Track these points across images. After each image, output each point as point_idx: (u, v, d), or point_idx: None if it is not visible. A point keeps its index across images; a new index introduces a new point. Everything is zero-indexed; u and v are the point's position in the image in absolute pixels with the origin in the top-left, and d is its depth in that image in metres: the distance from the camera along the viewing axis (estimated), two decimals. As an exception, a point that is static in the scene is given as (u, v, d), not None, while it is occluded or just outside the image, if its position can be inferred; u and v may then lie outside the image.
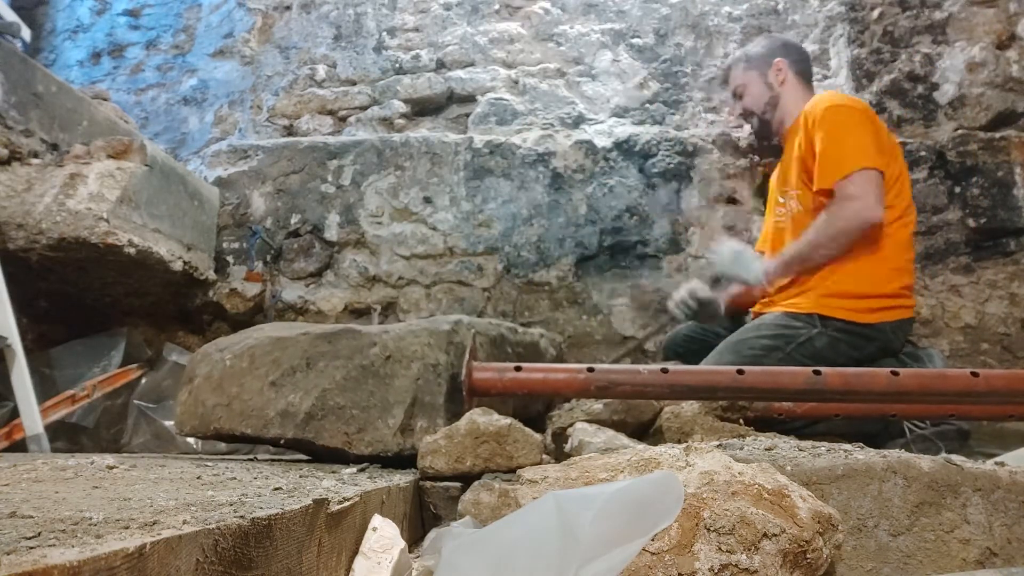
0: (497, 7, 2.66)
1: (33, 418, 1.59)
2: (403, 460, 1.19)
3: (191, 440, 1.93)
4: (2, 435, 1.66)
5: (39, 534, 0.40)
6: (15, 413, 1.63)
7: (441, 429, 1.11)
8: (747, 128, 2.34)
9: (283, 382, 1.27)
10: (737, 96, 2.01)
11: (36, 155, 1.86)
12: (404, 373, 1.23)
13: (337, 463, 1.26)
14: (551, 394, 1.45)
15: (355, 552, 0.77)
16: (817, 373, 1.20)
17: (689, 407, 1.47)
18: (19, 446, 1.62)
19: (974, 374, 1.19)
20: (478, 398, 1.30)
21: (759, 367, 1.24)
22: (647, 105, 2.46)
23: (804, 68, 1.94)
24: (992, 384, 1.18)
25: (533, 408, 1.63)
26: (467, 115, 2.56)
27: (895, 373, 1.19)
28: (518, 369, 1.27)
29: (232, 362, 1.35)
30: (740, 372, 1.21)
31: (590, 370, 1.25)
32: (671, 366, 1.25)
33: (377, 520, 0.82)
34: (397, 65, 2.65)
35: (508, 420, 1.08)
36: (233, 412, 1.27)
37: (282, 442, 1.25)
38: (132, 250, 1.85)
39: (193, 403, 1.34)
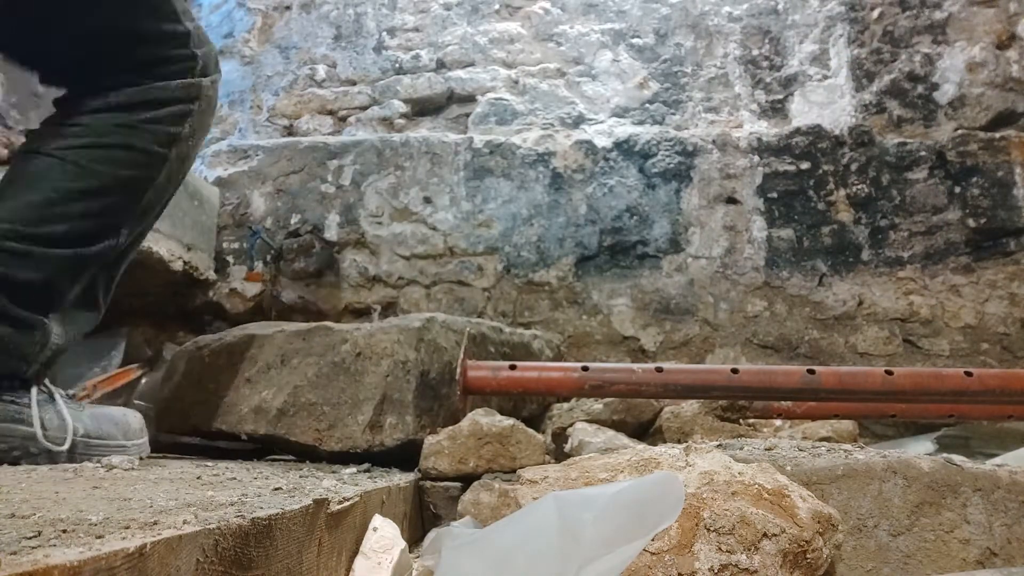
0: (497, 7, 2.66)
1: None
2: (372, 457, 1.20)
3: (190, 440, 1.93)
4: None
5: (39, 534, 0.40)
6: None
7: (443, 430, 1.11)
8: (747, 128, 2.34)
9: (258, 378, 1.28)
10: None
11: (36, 155, 1.86)
12: (374, 370, 1.23)
13: (310, 460, 1.27)
14: (545, 393, 1.45)
15: (355, 552, 0.77)
16: (811, 372, 1.20)
17: (689, 407, 1.47)
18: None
19: (968, 373, 1.20)
20: (472, 396, 1.30)
21: (755, 367, 1.25)
22: (647, 105, 2.46)
23: None
24: (987, 383, 1.19)
25: (526, 410, 1.63)
26: (467, 115, 2.56)
27: (889, 372, 1.19)
28: (512, 368, 1.28)
29: (210, 359, 1.36)
30: (735, 371, 1.21)
31: (584, 369, 1.26)
32: (666, 365, 1.26)
33: (377, 520, 0.82)
34: (397, 65, 2.65)
35: (511, 421, 1.08)
36: (210, 409, 1.28)
37: (255, 439, 1.26)
38: (132, 250, 1.85)
39: (172, 400, 1.35)
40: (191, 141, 1.06)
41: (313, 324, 1.33)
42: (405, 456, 1.21)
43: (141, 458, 1.00)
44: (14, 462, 0.88)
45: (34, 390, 0.93)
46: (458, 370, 1.25)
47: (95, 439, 0.95)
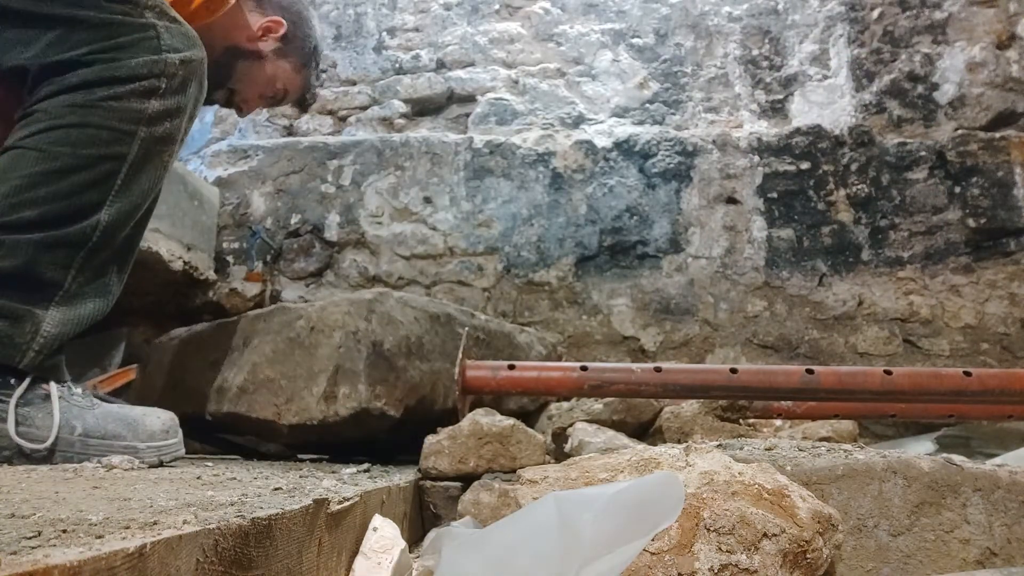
0: (497, 7, 2.66)
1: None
2: (327, 427, 1.21)
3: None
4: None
5: (39, 534, 0.40)
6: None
7: (444, 429, 1.11)
8: (747, 128, 2.34)
9: (222, 361, 1.31)
10: None
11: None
12: (327, 342, 1.24)
13: (271, 437, 1.29)
14: (545, 393, 1.44)
15: (355, 552, 0.77)
16: (810, 372, 1.20)
17: (689, 407, 1.47)
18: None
19: (967, 373, 1.20)
20: (471, 396, 1.30)
21: (754, 366, 1.25)
22: (647, 105, 2.46)
23: None
24: (986, 383, 1.19)
25: (512, 403, 1.62)
26: (467, 115, 2.56)
27: (889, 372, 1.19)
28: (511, 367, 1.28)
29: (179, 348, 1.39)
30: (734, 371, 1.22)
31: (584, 368, 1.26)
32: (666, 365, 1.26)
33: (377, 520, 0.82)
34: (397, 65, 2.65)
35: (511, 421, 1.08)
36: (179, 394, 1.30)
37: (217, 417, 1.28)
38: (132, 250, 1.85)
39: (144, 389, 1.37)
40: (169, 120, 1.02)
41: (274, 306, 1.35)
42: (360, 429, 1.22)
43: (162, 462, 0.97)
44: None
45: (25, 383, 0.91)
46: (457, 370, 1.25)
47: (95, 438, 0.93)
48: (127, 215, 1.01)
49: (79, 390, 0.99)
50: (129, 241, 1.05)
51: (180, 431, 1.04)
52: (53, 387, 0.94)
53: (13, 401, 0.89)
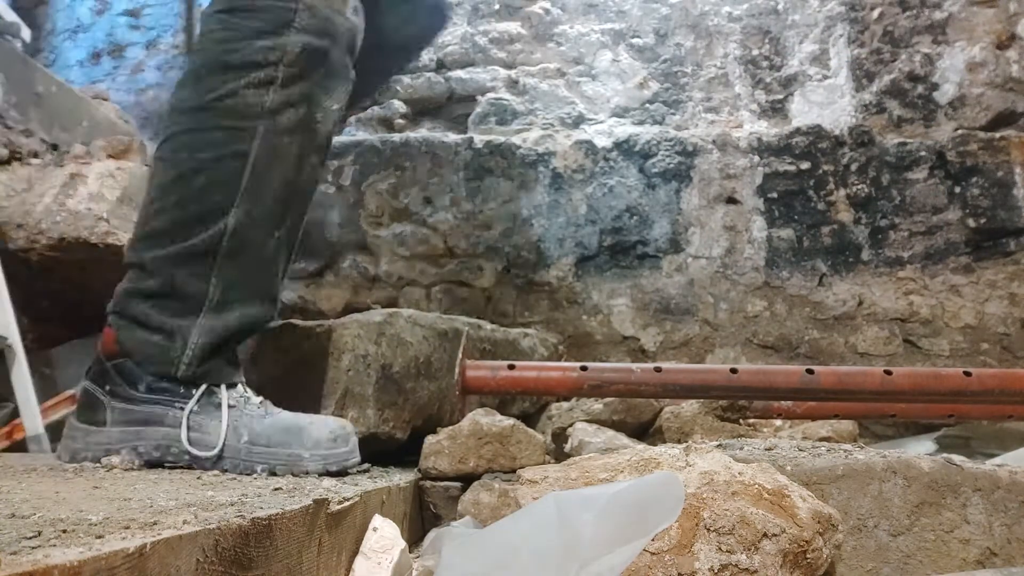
0: (497, 7, 2.66)
1: (34, 418, 1.59)
2: None
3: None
4: (3, 435, 1.65)
5: (39, 534, 0.40)
6: (15, 413, 1.63)
7: (444, 430, 1.11)
8: (747, 128, 2.34)
9: None
10: None
11: (36, 155, 1.86)
12: (336, 365, 1.24)
13: None
14: (544, 393, 1.44)
15: (355, 552, 0.77)
16: (810, 372, 1.20)
17: (689, 407, 1.47)
18: (20, 446, 1.62)
19: (967, 373, 1.20)
20: (471, 396, 1.30)
21: (754, 367, 1.25)
22: (647, 105, 2.46)
23: None
24: (986, 383, 1.19)
25: (516, 407, 1.61)
26: (467, 115, 2.56)
27: (888, 372, 1.19)
28: (511, 368, 1.28)
29: None
30: (734, 371, 1.21)
31: (583, 368, 1.26)
32: (665, 365, 1.26)
33: (377, 520, 0.82)
34: (397, 65, 2.65)
35: (511, 421, 1.08)
36: None
37: None
38: (132, 250, 1.85)
39: None
40: (293, 111, 0.99)
41: (281, 322, 1.34)
42: (366, 451, 1.21)
43: (329, 471, 0.93)
44: (158, 464, 0.92)
45: (198, 392, 0.94)
46: (456, 370, 1.25)
47: (260, 446, 0.92)
48: (257, 219, 0.99)
49: (257, 399, 0.99)
50: (270, 248, 1.03)
51: (353, 438, 0.99)
52: (224, 395, 0.95)
53: (187, 412, 0.92)
